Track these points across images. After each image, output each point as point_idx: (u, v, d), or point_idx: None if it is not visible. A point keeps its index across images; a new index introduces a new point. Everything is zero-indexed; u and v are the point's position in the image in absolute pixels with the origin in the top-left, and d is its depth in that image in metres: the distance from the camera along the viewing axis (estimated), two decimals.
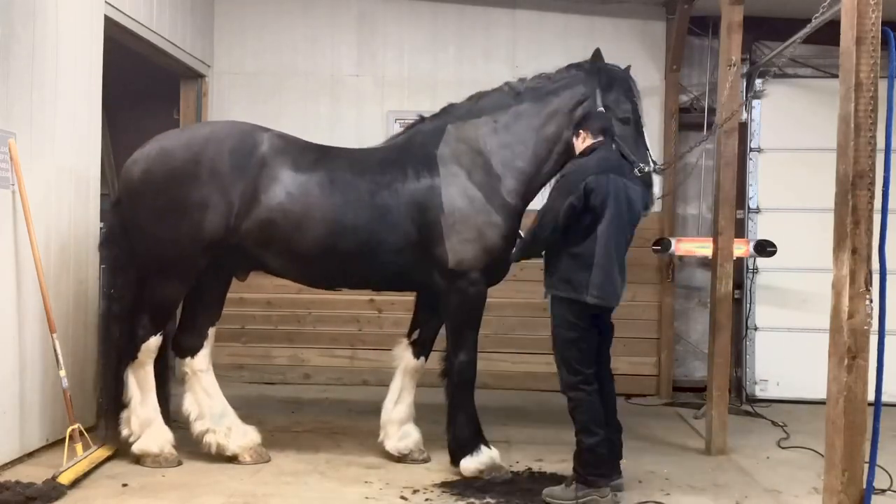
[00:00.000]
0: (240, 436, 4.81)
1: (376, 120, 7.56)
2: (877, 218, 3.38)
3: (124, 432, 4.69)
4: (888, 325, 3.51)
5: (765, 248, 6.68)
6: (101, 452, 4.67)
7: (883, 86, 3.39)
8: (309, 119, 7.43)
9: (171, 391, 5.13)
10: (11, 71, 4.53)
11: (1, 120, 4.46)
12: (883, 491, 4.37)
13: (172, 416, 4.97)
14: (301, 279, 4.93)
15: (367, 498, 4.21)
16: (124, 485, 4.30)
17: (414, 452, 4.88)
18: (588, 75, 4.70)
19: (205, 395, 4.83)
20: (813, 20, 4.64)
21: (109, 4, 5.60)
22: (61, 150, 5.07)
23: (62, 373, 4.60)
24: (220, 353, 7.24)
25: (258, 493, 4.23)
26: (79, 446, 4.56)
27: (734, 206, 5.42)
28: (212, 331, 4.94)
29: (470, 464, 4.56)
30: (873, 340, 3.37)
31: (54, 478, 4.12)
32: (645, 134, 4.69)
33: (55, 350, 4.60)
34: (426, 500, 4.22)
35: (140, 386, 4.70)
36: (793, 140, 7.27)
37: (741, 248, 6.41)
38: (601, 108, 4.56)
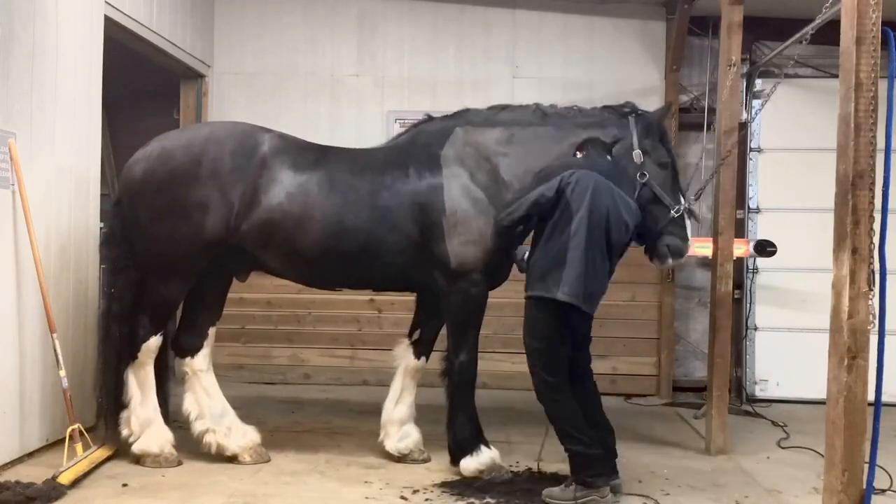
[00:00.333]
0: (240, 436, 4.81)
1: (376, 120, 7.57)
2: (877, 218, 3.39)
3: (124, 432, 4.69)
4: (888, 325, 3.52)
5: (765, 248, 6.68)
6: (101, 452, 4.67)
7: (883, 86, 3.39)
8: (309, 119, 7.43)
9: (171, 391, 5.13)
10: (11, 71, 4.53)
11: (1, 120, 4.46)
12: (883, 491, 4.37)
13: (172, 416, 4.97)
14: (301, 279, 4.93)
15: (367, 498, 4.21)
16: (124, 485, 4.30)
17: (414, 452, 4.88)
18: (621, 118, 4.72)
19: (205, 395, 4.83)
20: (816, 20, 4.64)
21: (109, 4, 5.60)
22: (61, 150, 5.07)
23: (62, 373, 4.60)
24: (220, 353, 7.25)
25: (258, 493, 4.23)
26: (79, 446, 4.56)
27: (734, 206, 5.43)
28: (212, 331, 4.93)
29: (470, 464, 4.56)
30: (873, 340, 3.38)
31: (54, 478, 4.12)
32: (680, 178, 4.74)
33: (55, 350, 4.60)
34: (426, 500, 4.22)
35: (140, 386, 4.69)
36: (793, 140, 7.27)
37: (741, 248, 6.41)
38: (637, 151, 4.58)
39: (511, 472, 4.66)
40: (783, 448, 5.54)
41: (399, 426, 4.91)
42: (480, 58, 7.62)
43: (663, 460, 5.11)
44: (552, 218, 4.17)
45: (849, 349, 3.31)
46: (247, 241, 4.60)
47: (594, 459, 4.16)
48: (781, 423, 6.18)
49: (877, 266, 3.38)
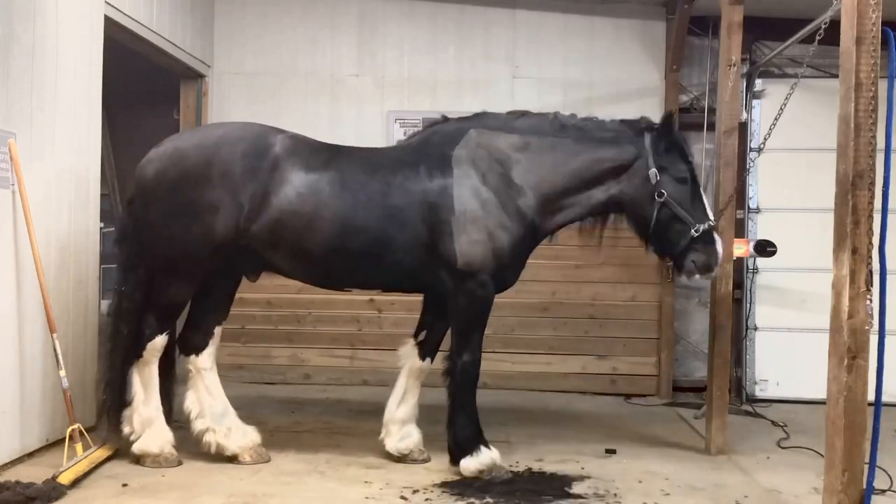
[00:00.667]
0: (240, 436, 4.80)
1: (376, 120, 7.57)
2: (877, 218, 3.39)
3: (126, 430, 4.69)
4: (888, 325, 3.52)
5: (765, 248, 6.67)
6: (101, 452, 4.66)
7: (883, 86, 3.39)
8: (309, 119, 7.43)
9: (174, 391, 5.13)
10: (11, 71, 4.53)
11: (1, 120, 4.46)
12: (883, 491, 4.37)
13: (173, 415, 4.97)
14: (311, 280, 4.90)
15: (367, 498, 4.21)
16: (124, 485, 4.30)
17: (414, 453, 4.88)
18: (638, 135, 4.68)
19: (207, 394, 4.83)
20: (816, 20, 4.64)
21: (109, 4, 5.60)
22: (61, 150, 5.07)
23: (62, 373, 4.60)
24: (220, 353, 7.21)
25: (258, 493, 4.23)
26: (79, 446, 4.56)
27: (734, 206, 5.42)
28: (218, 330, 4.94)
29: (470, 464, 4.55)
30: (873, 340, 3.38)
31: (54, 478, 4.12)
32: (702, 192, 4.67)
33: (55, 350, 4.60)
34: (426, 500, 4.22)
35: (144, 384, 4.70)
36: (793, 140, 7.26)
37: (741, 248, 6.41)
38: (653, 170, 4.56)
39: (511, 471, 4.66)
40: (783, 448, 5.54)
41: (401, 426, 4.91)
42: (480, 58, 7.62)
43: (663, 460, 5.11)
44: None
45: (849, 349, 3.31)
46: (257, 242, 4.59)
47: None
48: (781, 423, 6.19)
49: (876, 266, 3.38)
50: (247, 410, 5.35)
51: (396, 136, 7.35)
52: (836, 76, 3.56)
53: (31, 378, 4.73)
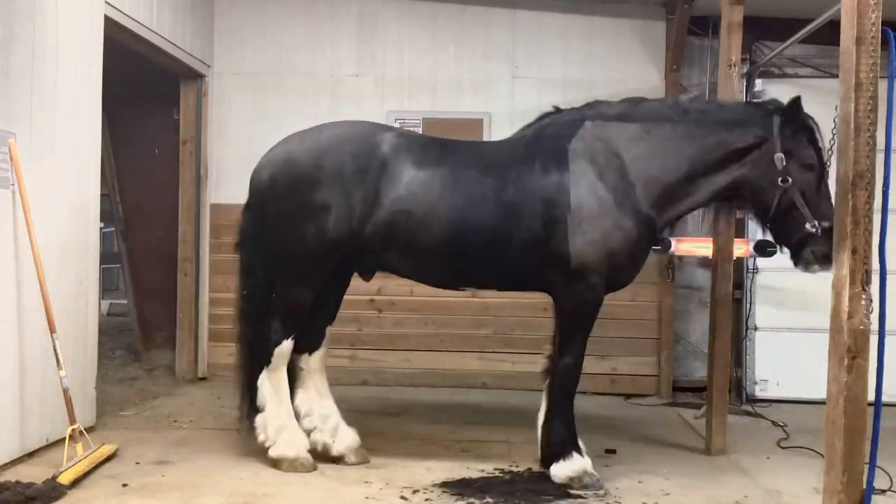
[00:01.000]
0: (345, 437, 4.83)
1: (376, 120, 7.54)
2: (877, 218, 3.39)
3: (260, 438, 4.68)
4: (888, 325, 3.52)
5: (765, 248, 6.66)
6: (101, 452, 4.67)
7: (883, 86, 3.40)
8: (309, 119, 7.33)
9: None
10: (11, 71, 4.53)
11: (1, 120, 4.46)
12: (883, 491, 4.36)
13: (173, 416, 4.97)
14: (427, 279, 4.84)
15: (367, 498, 4.21)
16: (124, 485, 4.29)
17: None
18: (766, 117, 4.43)
19: (316, 395, 4.87)
20: (816, 20, 4.64)
21: (109, 4, 5.60)
22: (61, 150, 5.07)
23: (62, 373, 4.60)
24: (221, 353, 7.28)
25: (258, 493, 4.23)
26: (79, 446, 4.56)
27: None
28: (328, 330, 4.96)
29: (561, 469, 4.45)
30: (873, 340, 3.38)
31: (54, 478, 4.12)
32: (828, 182, 4.31)
33: (55, 350, 4.59)
34: (426, 500, 4.21)
35: (274, 391, 4.71)
36: None
37: (741, 248, 6.40)
38: (780, 155, 4.32)
39: (511, 471, 4.65)
40: (783, 448, 5.54)
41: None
42: (480, 58, 7.62)
43: (663, 460, 5.10)
44: None
45: (849, 349, 3.31)
46: (371, 242, 4.55)
47: None
48: (781, 423, 6.18)
49: (876, 266, 3.39)
50: None
51: None
52: (836, 76, 3.56)
53: (31, 378, 4.73)
